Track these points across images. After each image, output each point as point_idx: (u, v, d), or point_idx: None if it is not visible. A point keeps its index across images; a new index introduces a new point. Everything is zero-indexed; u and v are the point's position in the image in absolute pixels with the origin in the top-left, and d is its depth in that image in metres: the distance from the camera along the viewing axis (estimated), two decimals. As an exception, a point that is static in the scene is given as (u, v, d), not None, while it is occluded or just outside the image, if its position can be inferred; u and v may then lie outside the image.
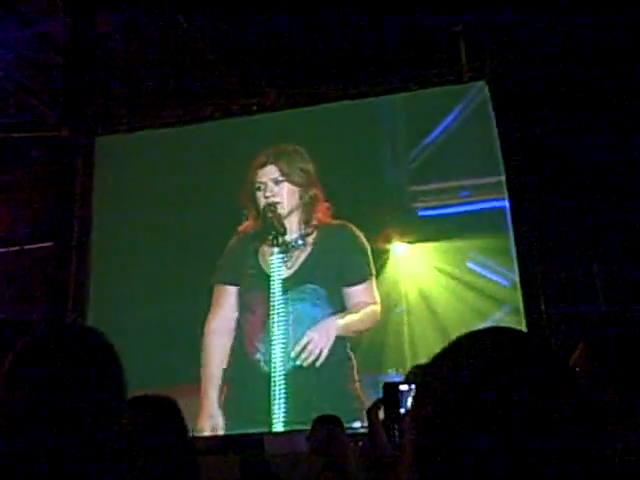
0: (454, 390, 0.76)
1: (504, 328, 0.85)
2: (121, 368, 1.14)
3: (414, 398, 0.82)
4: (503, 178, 5.87)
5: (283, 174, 5.99)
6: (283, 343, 5.72)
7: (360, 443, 5.43)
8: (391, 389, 1.29)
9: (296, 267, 5.86)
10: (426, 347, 5.44)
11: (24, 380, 1.08)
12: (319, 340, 5.62)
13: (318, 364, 5.60)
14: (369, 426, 1.24)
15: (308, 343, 5.63)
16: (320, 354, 5.60)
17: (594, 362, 1.50)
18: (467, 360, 0.79)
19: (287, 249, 5.87)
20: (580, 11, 5.80)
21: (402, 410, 1.23)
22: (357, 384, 5.60)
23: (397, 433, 1.26)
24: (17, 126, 7.02)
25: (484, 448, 0.72)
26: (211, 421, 5.75)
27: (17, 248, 7.31)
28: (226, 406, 5.80)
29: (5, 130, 6.97)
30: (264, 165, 6.05)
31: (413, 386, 1.20)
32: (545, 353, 0.79)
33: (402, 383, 1.36)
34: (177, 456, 1.76)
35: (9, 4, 6.36)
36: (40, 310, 6.62)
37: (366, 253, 5.77)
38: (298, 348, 5.64)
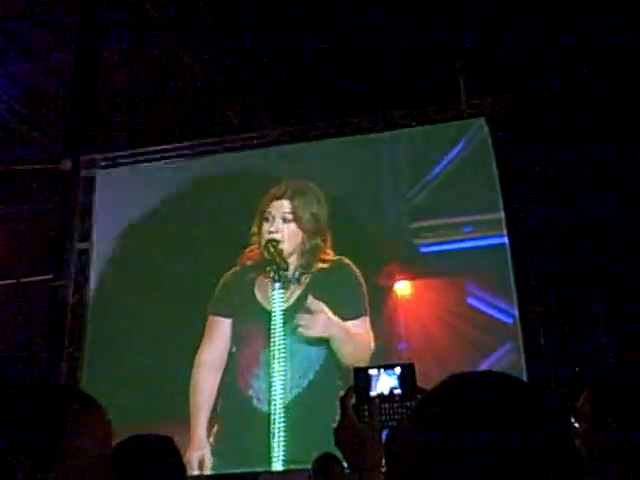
0: (423, 452, 0.76)
1: (486, 374, 0.85)
2: None
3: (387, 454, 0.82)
4: (502, 215, 5.89)
5: (293, 213, 5.95)
6: (282, 379, 5.67)
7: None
8: (362, 373, 1.38)
9: (293, 300, 5.84)
10: (427, 384, 5.38)
11: None
12: (324, 318, 5.62)
13: (306, 335, 5.62)
14: (341, 410, 1.28)
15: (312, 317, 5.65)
16: (313, 328, 5.61)
17: (596, 403, 1.50)
18: (438, 418, 0.79)
19: (285, 284, 5.85)
20: (578, 49, 5.89)
21: (372, 393, 1.33)
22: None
23: (367, 413, 1.34)
24: (18, 158, 7.05)
25: None
26: (199, 458, 5.64)
27: (15, 281, 7.29)
28: (216, 443, 5.71)
29: (6, 162, 6.99)
30: (279, 198, 6.02)
31: (382, 370, 1.32)
32: (533, 403, 0.79)
33: (371, 368, 1.42)
34: None
35: (13, 36, 6.43)
36: (37, 343, 6.58)
37: (361, 289, 5.74)
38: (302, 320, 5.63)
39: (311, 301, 5.68)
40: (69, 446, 1.07)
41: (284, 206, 5.99)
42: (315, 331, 5.62)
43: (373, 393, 1.34)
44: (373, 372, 1.36)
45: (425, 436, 0.78)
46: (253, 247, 6.07)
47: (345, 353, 5.62)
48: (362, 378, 1.42)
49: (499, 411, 0.77)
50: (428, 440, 0.77)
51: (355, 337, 5.66)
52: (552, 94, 5.97)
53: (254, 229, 6.07)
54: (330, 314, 5.63)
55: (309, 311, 5.66)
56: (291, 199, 6.00)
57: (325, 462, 3.88)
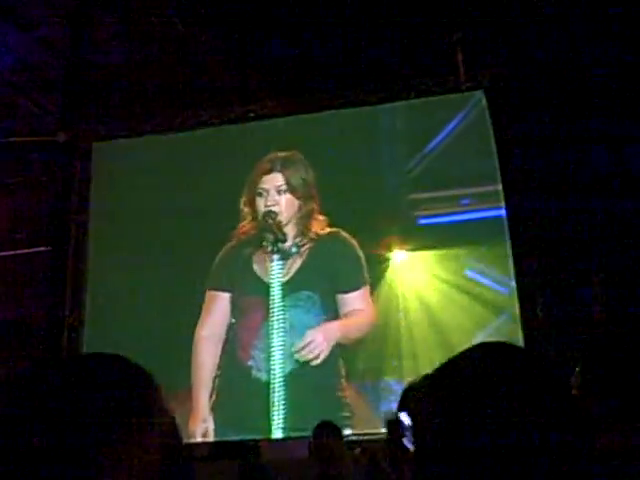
0: (448, 414, 0.79)
1: (495, 346, 0.87)
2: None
3: (412, 427, 0.84)
4: (500, 187, 5.92)
5: (287, 184, 5.98)
6: (281, 349, 5.73)
7: (357, 451, 5.49)
8: (394, 426, 1.28)
9: (292, 274, 5.87)
10: (425, 355, 5.47)
11: None
12: (321, 342, 5.62)
13: (314, 364, 5.60)
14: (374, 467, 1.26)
15: (311, 342, 5.62)
16: (318, 356, 5.60)
17: (585, 373, 1.52)
18: (459, 383, 0.81)
19: (284, 256, 5.88)
20: (578, 19, 5.87)
21: (407, 444, 1.21)
22: (348, 392, 5.63)
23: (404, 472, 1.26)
24: (15, 130, 7.02)
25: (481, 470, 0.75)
26: (202, 426, 5.74)
27: (14, 252, 7.29)
28: (217, 412, 5.79)
29: (3, 134, 6.96)
30: (269, 172, 6.04)
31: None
32: (538, 370, 0.81)
33: (401, 411, 1.39)
34: (171, 462, 1.75)
35: (9, 9, 6.36)
36: (37, 314, 6.61)
37: (359, 261, 5.78)
38: (300, 344, 5.63)
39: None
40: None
41: (277, 179, 6.00)
42: (320, 357, 5.63)
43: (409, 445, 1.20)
44: (406, 420, 1.25)
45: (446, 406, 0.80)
46: (245, 222, 6.09)
47: (348, 336, 5.70)
48: (394, 429, 1.35)
49: (510, 381, 0.79)
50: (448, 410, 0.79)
51: (355, 318, 5.72)
52: (551, 66, 5.95)
53: (245, 204, 6.07)
54: (321, 330, 5.67)
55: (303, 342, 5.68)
56: (282, 171, 6.02)
57: (324, 431, 3.93)
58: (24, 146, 7.13)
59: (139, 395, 0.95)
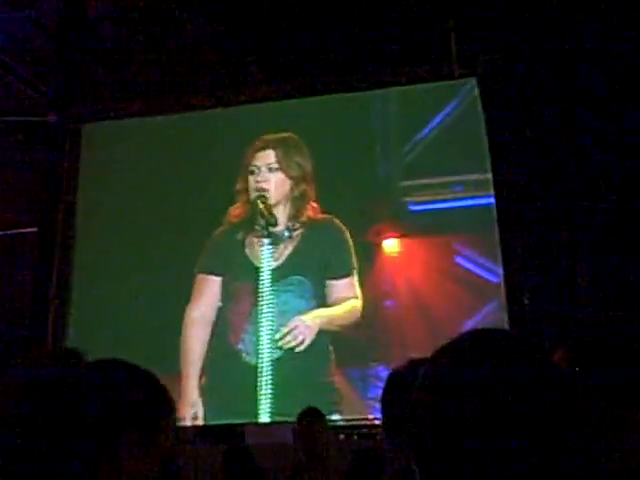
0: (449, 398, 0.78)
1: (488, 331, 0.87)
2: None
3: (410, 405, 0.84)
4: (490, 175, 5.93)
5: (279, 162, 5.96)
6: (270, 334, 5.72)
7: (341, 436, 5.51)
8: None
9: (283, 259, 5.86)
10: (415, 341, 5.48)
11: None
12: (305, 327, 5.63)
13: (298, 350, 5.61)
14: None
15: (294, 329, 5.64)
16: (302, 341, 5.61)
17: (574, 364, 1.51)
18: (455, 372, 0.80)
19: (275, 241, 5.87)
20: (573, 8, 5.86)
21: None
22: (336, 378, 5.64)
23: None
24: (4, 110, 6.94)
25: (482, 451, 0.75)
26: (191, 410, 5.74)
27: (1, 233, 7.23)
28: (206, 395, 5.79)
29: (-8, 114, 6.89)
30: (262, 149, 6.03)
31: None
32: (534, 356, 0.81)
33: (386, 396, 1.40)
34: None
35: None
36: (23, 295, 6.57)
37: (349, 248, 5.79)
38: (284, 330, 5.64)
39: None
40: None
41: (269, 156, 6.00)
42: (304, 342, 5.63)
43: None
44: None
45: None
46: (239, 205, 6.06)
47: (334, 323, 5.70)
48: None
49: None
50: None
51: (343, 305, 5.72)
52: (545, 54, 5.95)
53: (239, 185, 6.06)
54: (304, 318, 5.68)
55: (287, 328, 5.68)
56: (275, 149, 6.01)
57: (309, 416, 3.94)
58: (14, 126, 7.06)
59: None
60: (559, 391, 0.78)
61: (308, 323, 5.65)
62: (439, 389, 0.81)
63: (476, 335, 0.86)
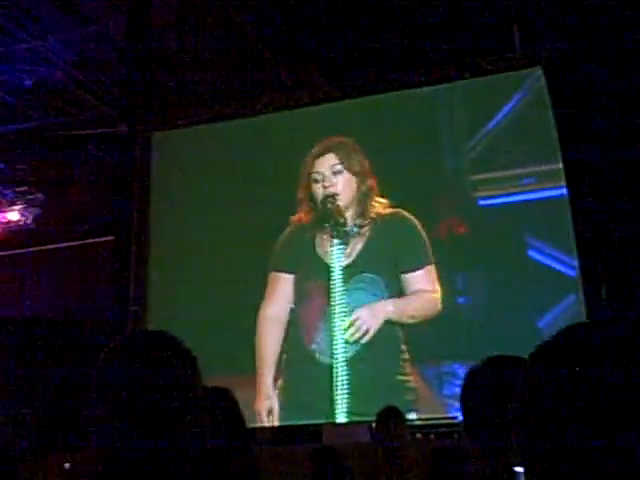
0: (558, 398, 0.77)
1: (588, 326, 0.86)
2: (196, 370, 1.21)
3: (516, 407, 0.83)
4: (561, 165, 5.79)
5: (342, 163, 5.98)
6: (344, 332, 5.73)
7: (417, 435, 5.47)
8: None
9: (354, 256, 5.85)
10: (489, 338, 5.41)
11: (109, 384, 1.14)
12: (367, 317, 5.61)
13: (364, 341, 5.58)
14: None
15: (357, 319, 5.63)
16: (367, 331, 5.58)
17: None
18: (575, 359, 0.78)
19: (346, 239, 5.87)
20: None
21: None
22: (411, 376, 5.59)
23: None
24: (76, 123, 7.17)
25: (593, 450, 0.73)
26: (268, 411, 5.79)
27: (78, 243, 7.47)
28: (282, 395, 5.83)
29: (65, 128, 7.12)
30: (322, 154, 6.05)
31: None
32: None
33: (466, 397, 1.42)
34: (235, 448, 1.77)
35: (69, 3, 6.48)
36: (102, 303, 6.77)
37: (421, 239, 5.73)
38: (347, 323, 5.64)
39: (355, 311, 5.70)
40: None
41: (331, 160, 6.01)
42: (369, 332, 5.61)
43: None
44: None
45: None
46: (303, 213, 6.08)
47: (405, 313, 5.65)
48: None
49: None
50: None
51: (416, 297, 5.66)
52: (611, 44, 5.77)
53: (301, 194, 6.08)
54: (368, 307, 5.65)
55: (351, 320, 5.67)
56: (335, 152, 6.01)
57: (388, 415, 3.93)
58: (87, 139, 7.28)
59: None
60: None
61: (372, 312, 5.62)
62: (546, 389, 0.79)
63: (575, 331, 0.84)
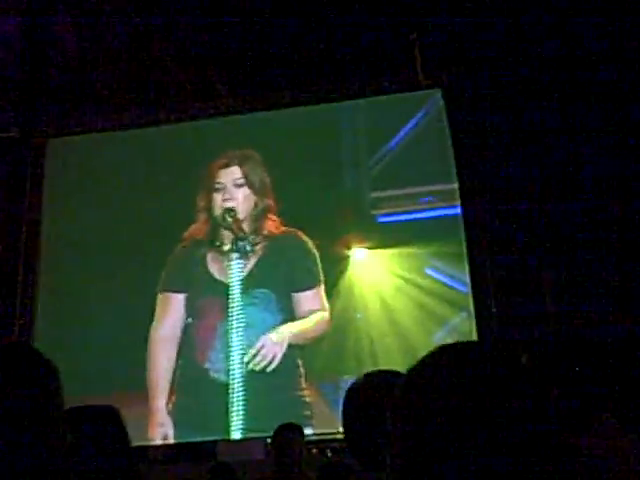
0: (425, 417, 0.79)
1: (462, 345, 0.88)
2: (58, 383, 1.18)
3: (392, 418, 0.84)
4: (457, 186, 5.97)
5: (245, 177, 5.96)
6: (240, 349, 5.68)
7: (314, 451, 5.48)
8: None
9: (246, 273, 5.83)
10: (385, 353, 5.48)
11: None
12: (273, 345, 5.61)
13: (269, 369, 5.57)
14: None
15: (262, 347, 5.62)
16: (273, 359, 5.58)
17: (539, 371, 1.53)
18: (432, 395, 0.80)
19: (238, 256, 5.84)
20: (535, 18, 5.95)
21: None
22: (307, 391, 5.62)
23: None
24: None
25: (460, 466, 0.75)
26: (161, 429, 5.67)
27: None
28: (176, 414, 5.72)
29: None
30: (227, 166, 6.01)
31: None
32: (508, 367, 0.82)
33: (347, 411, 1.43)
34: (117, 466, 1.71)
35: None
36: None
37: (314, 260, 5.78)
38: (252, 351, 5.61)
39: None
40: None
41: (234, 172, 5.99)
42: (274, 361, 5.60)
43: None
44: None
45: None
46: (200, 222, 6.02)
47: (303, 337, 5.68)
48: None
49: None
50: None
51: (310, 318, 5.70)
52: (509, 66, 6.02)
53: (202, 203, 6.02)
54: (271, 336, 5.65)
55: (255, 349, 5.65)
56: (240, 165, 6.00)
57: (286, 429, 3.92)
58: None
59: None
60: (532, 399, 0.79)
61: (275, 340, 5.63)
62: (416, 408, 0.81)
63: (448, 351, 0.85)
